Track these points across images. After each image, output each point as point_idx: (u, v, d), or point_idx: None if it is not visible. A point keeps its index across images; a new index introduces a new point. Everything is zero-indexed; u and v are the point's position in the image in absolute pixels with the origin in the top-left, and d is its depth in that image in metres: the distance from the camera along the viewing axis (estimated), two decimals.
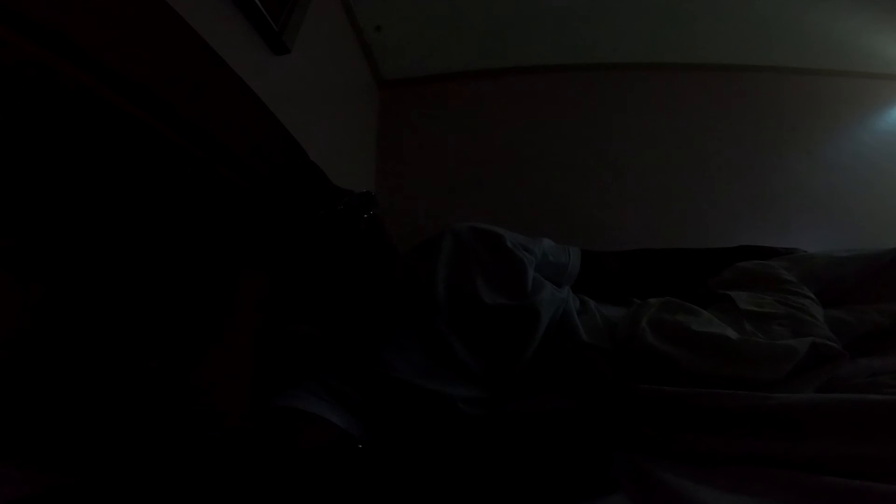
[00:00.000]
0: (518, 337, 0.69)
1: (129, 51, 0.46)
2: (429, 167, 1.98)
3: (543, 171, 1.94)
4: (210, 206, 0.62)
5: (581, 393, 0.66)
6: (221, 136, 0.59)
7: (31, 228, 0.48)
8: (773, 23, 1.78)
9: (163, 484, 0.46)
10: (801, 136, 1.92)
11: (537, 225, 1.25)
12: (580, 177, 1.93)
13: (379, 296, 0.71)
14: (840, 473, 0.41)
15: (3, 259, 0.46)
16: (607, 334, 0.71)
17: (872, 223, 1.78)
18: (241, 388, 0.51)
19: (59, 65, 0.40)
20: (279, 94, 1.02)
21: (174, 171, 0.57)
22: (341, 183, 0.73)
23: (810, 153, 1.91)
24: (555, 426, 0.57)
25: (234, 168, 0.62)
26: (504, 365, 0.68)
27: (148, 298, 0.60)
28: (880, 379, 0.61)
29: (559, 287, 0.79)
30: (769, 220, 1.80)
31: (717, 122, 1.94)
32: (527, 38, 1.91)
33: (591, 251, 0.93)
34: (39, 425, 0.48)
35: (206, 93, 0.57)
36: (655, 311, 0.72)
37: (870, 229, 1.74)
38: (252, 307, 0.54)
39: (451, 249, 0.76)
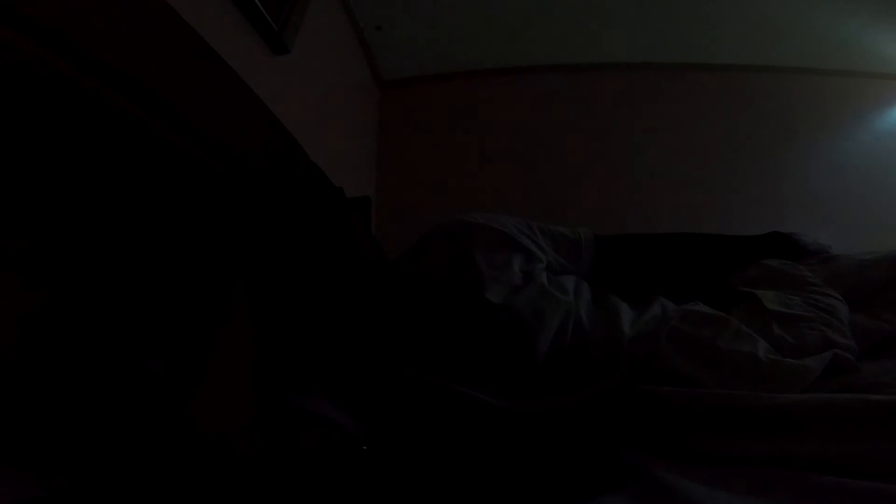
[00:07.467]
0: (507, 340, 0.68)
1: (129, 50, 0.46)
2: (429, 167, 1.98)
3: (544, 170, 1.94)
4: (210, 207, 0.62)
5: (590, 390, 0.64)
6: (221, 136, 0.59)
7: (32, 229, 0.48)
8: (773, 23, 1.78)
9: (165, 486, 0.46)
10: (802, 136, 1.92)
11: None
12: (580, 176, 1.93)
13: (374, 295, 0.71)
14: (840, 473, 0.41)
15: (4, 259, 0.46)
16: (622, 350, 0.68)
17: (873, 222, 1.78)
18: (246, 388, 0.51)
19: (59, 65, 0.40)
20: (279, 94, 1.02)
21: (173, 171, 0.57)
22: (341, 183, 0.73)
23: (811, 152, 1.91)
24: (563, 423, 0.56)
25: (233, 168, 0.62)
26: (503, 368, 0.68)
27: (149, 300, 0.60)
28: (880, 379, 0.61)
29: (578, 265, 0.77)
30: (769, 219, 1.80)
31: (717, 121, 1.95)
32: (527, 38, 1.92)
33: (608, 235, 0.90)
34: (41, 428, 0.48)
35: (206, 93, 0.57)
36: (677, 324, 0.69)
37: (871, 228, 1.74)
38: (251, 307, 0.54)
39: (443, 244, 0.75)
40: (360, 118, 1.91)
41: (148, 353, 0.57)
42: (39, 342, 0.50)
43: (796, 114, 1.94)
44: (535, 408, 0.60)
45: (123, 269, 0.56)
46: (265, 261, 0.61)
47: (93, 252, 0.53)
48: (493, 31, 1.87)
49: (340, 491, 0.50)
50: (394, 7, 1.73)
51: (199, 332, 0.54)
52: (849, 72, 1.94)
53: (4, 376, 0.47)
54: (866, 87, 1.94)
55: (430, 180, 1.96)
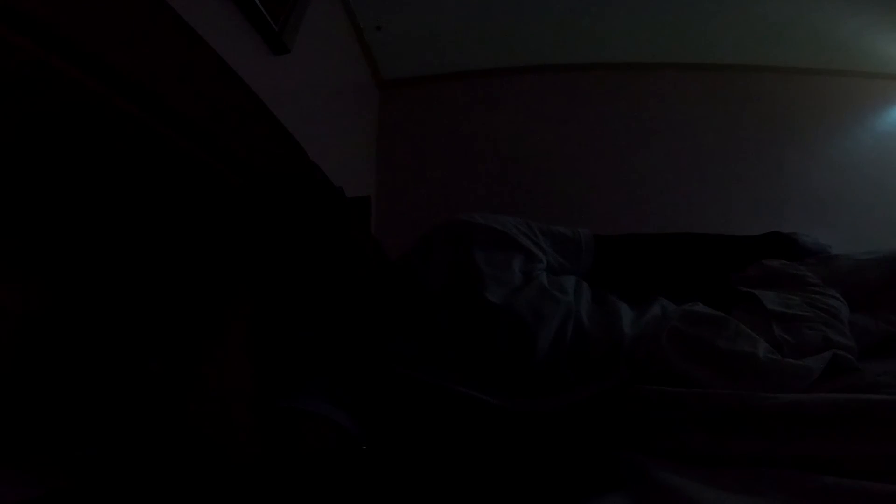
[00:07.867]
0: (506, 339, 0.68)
1: (129, 51, 0.46)
2: (429, 167, 1.98)
3: (544, 170, 1.94)
4: (210, 206, 0.62)
5: (589, 391, 0.64)
6: (222, 135, 0.59)
7: (31, 228, 0.48)
8: (773, 23, 1.78)
9: (164, 487, 0.46)
10: (802, 136, 1.92)
11: None
12: (580, 176, 1.93)
13: (373, 294, 0.71)
14: (840, 473, 0.41)
15: (4, 259, 0.46)
16: (622, 349, 0.68)
17: (873, 222, 1.78)
18: (245, 388, 0.51)
19: (60, 65, 0.40)
20: (279, 94, 1.02)
21: (173, 171, 0.57)
22: (341, 183, 0.73)
23: (811, 152, 1.91)
24: (563, 423, 0.56)
25: (234, 168, 0.62)
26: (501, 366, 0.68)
27: (148, 299, 0.60)
28: (880, 379, 0.61)
29: (578, 265, 0.77)
30: (769, 219, 1.81)
31: (717, 121, 1.95)
32: (527, 38, 1.92)
33: (608, 235, 0.90)
34: (41, 428, 0.48)
35: (207, 92, 0.57)
36: (677, 324, 0.69)
37: (871, 228, 1.74)
38: (251, 307, 0.54)
39: (443, 242, 0.75)
40: (360, 118, 1.91)
41: (148, 352, 0.57)
42: (40, 342, 0.50)
43: (796, 114, 1.94)
44: (535, 408, 0.60)
45: (124, 269, 0.56)
46: (265, 260, 0.61)
47: (93, 252, 0.53)
48: (492, 31, 1.87)
49: (340, 491, 0.50)
50: (394, 7, 1.73)
51: (198, 332, 0.54)
52: (849, 72, 1.94)
53: (5, 376, 0.47)
54: (866, 87, 1.94)
55: (430, 180, 1.96)
